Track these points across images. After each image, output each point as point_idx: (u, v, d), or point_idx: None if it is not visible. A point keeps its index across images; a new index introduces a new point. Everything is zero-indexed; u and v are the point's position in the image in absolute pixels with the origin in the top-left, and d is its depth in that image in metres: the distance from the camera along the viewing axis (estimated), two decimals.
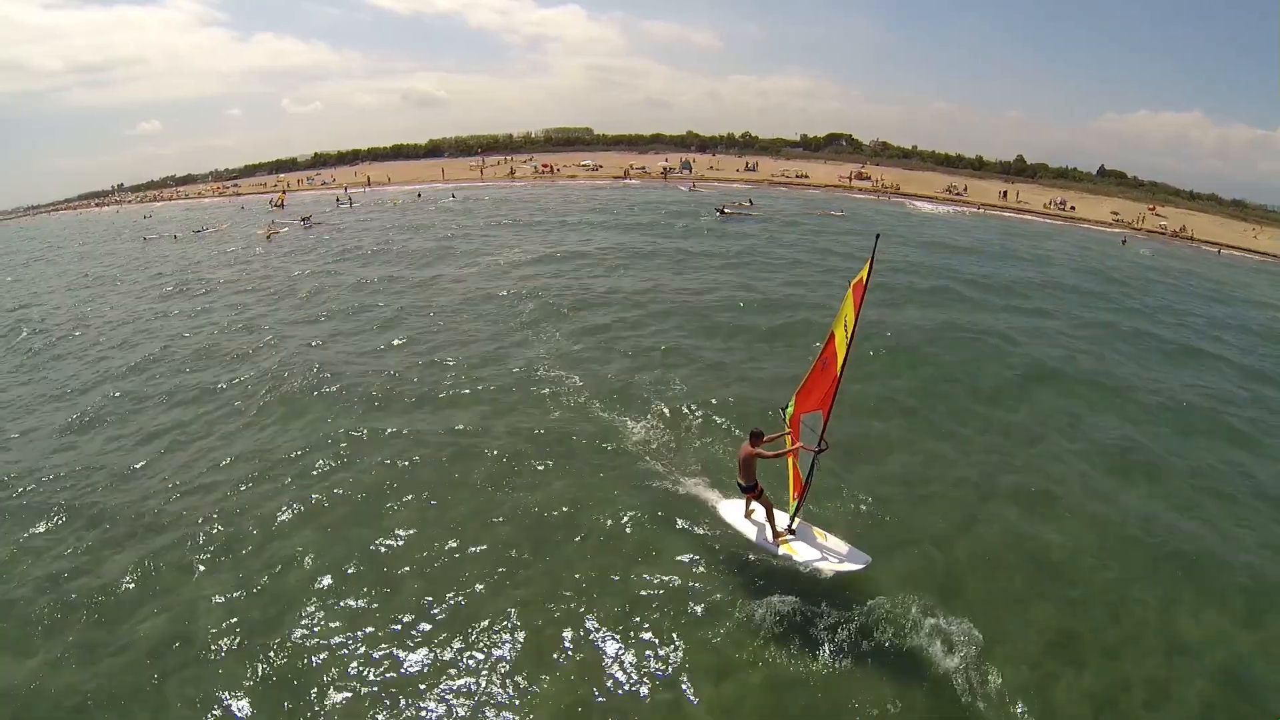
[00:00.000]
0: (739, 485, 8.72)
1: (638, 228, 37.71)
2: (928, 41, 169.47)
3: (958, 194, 63.79)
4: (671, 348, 16.72)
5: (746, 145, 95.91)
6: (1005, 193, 63.97)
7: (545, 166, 79.15)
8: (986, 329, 19.34)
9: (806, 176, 73.08)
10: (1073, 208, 60.39)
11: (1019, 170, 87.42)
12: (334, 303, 22.47)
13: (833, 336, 7.73)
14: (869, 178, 72.16)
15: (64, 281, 34.40)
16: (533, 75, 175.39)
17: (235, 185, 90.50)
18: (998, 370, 16.11)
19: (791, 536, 8.79)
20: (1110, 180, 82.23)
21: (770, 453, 8.45)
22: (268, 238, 41.97)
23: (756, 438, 8.48)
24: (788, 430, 8.82)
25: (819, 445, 8.02)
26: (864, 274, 7.17)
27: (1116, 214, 57.83)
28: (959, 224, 49.83)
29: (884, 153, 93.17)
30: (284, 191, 69.63)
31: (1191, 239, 53.05)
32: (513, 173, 77.12)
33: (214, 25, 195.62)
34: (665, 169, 75.15)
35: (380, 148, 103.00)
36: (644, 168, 76.44)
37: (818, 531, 8.89)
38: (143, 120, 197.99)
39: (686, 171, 74.56)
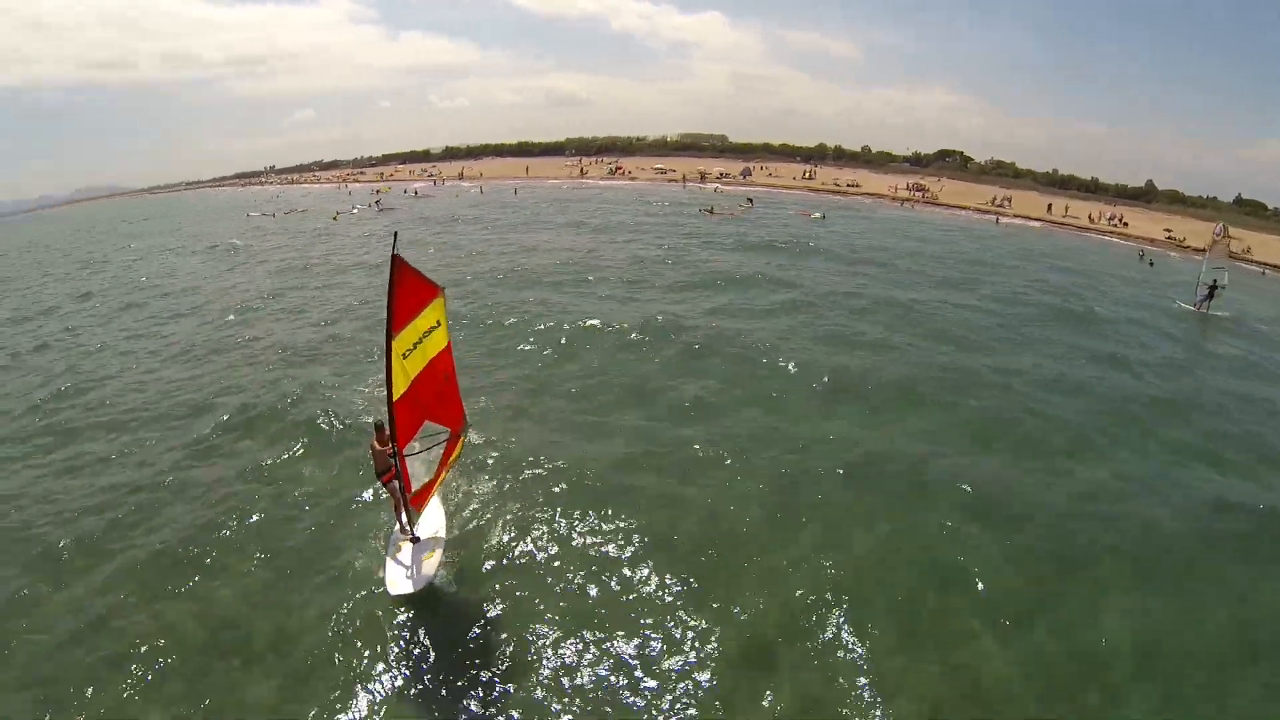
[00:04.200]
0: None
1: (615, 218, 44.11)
2: (1080, 62, 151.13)
3: (999, 205, 60.58)
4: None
5: (854, 158, 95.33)
6: (1051, 205, 59.47)
7: (618, 169, 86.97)
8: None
9: (858, 185, 73.14)
10: (1125, 223, 54.88)
11: (1135, 195, 78.42)
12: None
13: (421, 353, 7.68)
14: (925, 189, 70.30)
15: None
16: (676, 80, 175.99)
17: (359, 173, 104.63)
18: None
19: (412, 542, 8.46)
20: (1243, 209, 70.66)
21: (384, 448, 8.26)
22: (334, 218, 50.60)
23: (379, 429, 8.35)
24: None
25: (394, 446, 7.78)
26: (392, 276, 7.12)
27: (1169, 231, 51.75)
28: (956, 225, 49.21)
29: (995, 170, 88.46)
30: (383, 179, 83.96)
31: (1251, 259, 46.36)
32: (584, 172, 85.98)
33: (364, 23, 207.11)
34: (721, 174, 79.21)
35: (506, 144, 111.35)
36: (705, 172, 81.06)
37: (434, 544, 8.47)
38: (297, 109, 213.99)
39: (746, 177, 78.05)
